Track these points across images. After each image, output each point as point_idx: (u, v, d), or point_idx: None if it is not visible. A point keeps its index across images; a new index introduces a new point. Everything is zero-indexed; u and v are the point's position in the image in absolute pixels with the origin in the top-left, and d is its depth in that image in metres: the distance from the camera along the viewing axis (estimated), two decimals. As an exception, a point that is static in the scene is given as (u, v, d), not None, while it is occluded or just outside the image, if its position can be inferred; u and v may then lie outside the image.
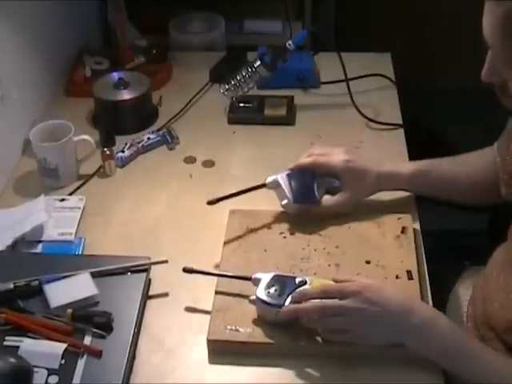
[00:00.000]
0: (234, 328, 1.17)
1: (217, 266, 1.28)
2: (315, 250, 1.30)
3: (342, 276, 1.19)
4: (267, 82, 1.72)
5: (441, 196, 1.39)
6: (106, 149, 1.53)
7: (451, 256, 1.55)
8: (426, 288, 1.25)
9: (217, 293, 1.23)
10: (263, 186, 1.37)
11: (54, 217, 1.41)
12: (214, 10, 2.04)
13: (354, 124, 1.68)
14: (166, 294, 1.27)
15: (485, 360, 1.09)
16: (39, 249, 1.35)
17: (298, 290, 1.16)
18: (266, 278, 1.18)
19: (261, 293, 1.17)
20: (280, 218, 1.37)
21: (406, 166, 1.37)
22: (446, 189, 1.37)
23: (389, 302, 1.11)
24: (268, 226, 1.36)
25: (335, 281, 1.17)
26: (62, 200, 1.46)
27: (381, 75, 1.80)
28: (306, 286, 1.17)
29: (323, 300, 1.14)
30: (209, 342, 1.16)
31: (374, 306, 1.10)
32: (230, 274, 1.23)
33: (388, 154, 1.55)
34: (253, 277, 1.20)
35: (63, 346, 1.12)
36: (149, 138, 1.62)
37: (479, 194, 1.36)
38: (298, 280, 1.18)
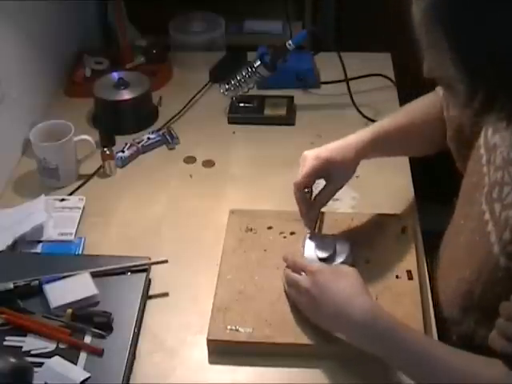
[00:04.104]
0: (234, 328, 1.17)
1: (217, 266, 1.28)
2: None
3: None
4: (267, 82, 1.72)
5: (394, 155, 1.41)
6: (105, 149, 1.53)
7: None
8: (426, 288, 1.25)
9: (217, 293, 1.23)
10: None
11: (54, 217, 1.41)
12: (214, 10, 2.04)
13: (353, 124, 1.67)
14: (166, 294, 1.27)
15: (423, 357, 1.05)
16: (39, 249, 1.35)
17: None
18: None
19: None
20: (280, 218, 1.37)
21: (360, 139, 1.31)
22: (398, 147, 1.37)
23: (331, 290, 1.12)
24: (268, 226, 1.36)
25: None
26: (62, 200, 1.46)
27: (381, 75, 1.80)
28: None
29: (287, 271, 1.21)
30: (209, 341, 1.16)
31: (318, 289, 1.13)
32: None
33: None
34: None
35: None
36: (149, 138, 1.62)
37: (428, 142, 1.37)
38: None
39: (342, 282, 1.13)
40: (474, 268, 1.10)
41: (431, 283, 1.26)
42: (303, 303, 1.17)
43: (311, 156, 1.28)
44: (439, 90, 1.34)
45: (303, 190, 1.28)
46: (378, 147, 1.32)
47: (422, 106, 1.37)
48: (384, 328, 1.07)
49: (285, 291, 1.22)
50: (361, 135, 1.31)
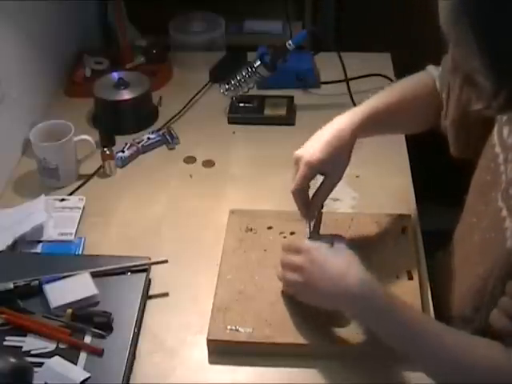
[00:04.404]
0: (234, 328, 1.17)
1: (217, 266, 1.28)
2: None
3: None
4: (267, 82, 1.72)
5: (388, 132, 1.39)
6: (105, 149, 1.53)
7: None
8: (426, 288, 1.25)
9: (217, 293, 1.23)
10: None
11: (54, 217, 1.41)
12: (214, 10, 2.04)
13: (354, 124, 1.67)
14: (166, 294, 1.27)
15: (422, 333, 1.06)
16: (39, 249, 1.35)
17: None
18: None
19: None
20: (280, 218, 1.37)
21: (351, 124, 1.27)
22: (389, 124, 1.36)
23: (326, 265, 1.12)
24: (268, 226, 1.36)
25: None
26: (62, 200, 1.46)
27: (381, 75, 1.80)
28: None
29: (282, 255, 1.20)
30: (209, 342, 1.16)
31: (314, 265, 1.12)
32: None
33: (388, 153, 1.55)
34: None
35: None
36: (149, 138, 1.62)
37: (423, 120, 1.36)
38: None
39: (339, 258, 1.13)
40: (487, 265, 1.10)
41: (431, 283, 1.26)
42: (299, 285, 1.15)
43: (303, 161, 1.24)
44: (431, 69, 1.34)
45: (302, 194, 1.27)
46: (372, 125, 1.30)
47: (413, 83, 1.36)
48: (383, 301, 1.07)
49: (281, 285, 1.21)
50: (354, 114, 1.28)
